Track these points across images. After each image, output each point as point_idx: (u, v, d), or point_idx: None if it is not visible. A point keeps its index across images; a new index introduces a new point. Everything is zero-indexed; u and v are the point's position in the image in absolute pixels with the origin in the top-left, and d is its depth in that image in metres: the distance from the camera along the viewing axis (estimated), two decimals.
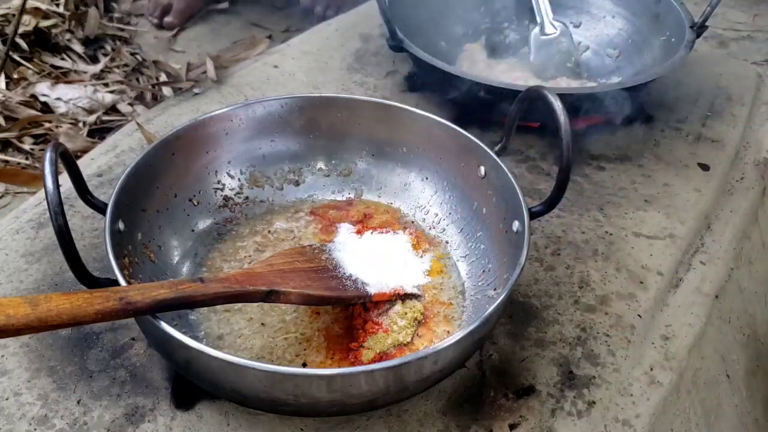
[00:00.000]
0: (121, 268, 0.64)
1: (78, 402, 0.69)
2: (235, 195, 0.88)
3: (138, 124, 1.06)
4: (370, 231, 0.84)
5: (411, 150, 0.89)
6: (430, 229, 0.87)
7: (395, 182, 0.91)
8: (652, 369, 0.76)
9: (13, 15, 1.48)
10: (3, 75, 1.39)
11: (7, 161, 1.27)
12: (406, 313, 0.74)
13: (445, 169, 0.87)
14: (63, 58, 1.51)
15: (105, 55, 1.58)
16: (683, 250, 0.91)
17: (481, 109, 1.05)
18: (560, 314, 0.81)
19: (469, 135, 0.83)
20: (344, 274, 0.75)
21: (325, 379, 0.58)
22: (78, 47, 1.54)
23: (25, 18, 1.49)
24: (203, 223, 0.85)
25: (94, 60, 1.55)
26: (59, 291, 0.80)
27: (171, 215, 0.81)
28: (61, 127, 1.32)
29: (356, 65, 1.27)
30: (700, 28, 1.12)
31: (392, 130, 0.89)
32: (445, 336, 0.73)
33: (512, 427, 0.69)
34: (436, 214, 0.88)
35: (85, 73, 1.48)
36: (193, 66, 1.29)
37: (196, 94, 1.18)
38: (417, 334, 0.74)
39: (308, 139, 0.91)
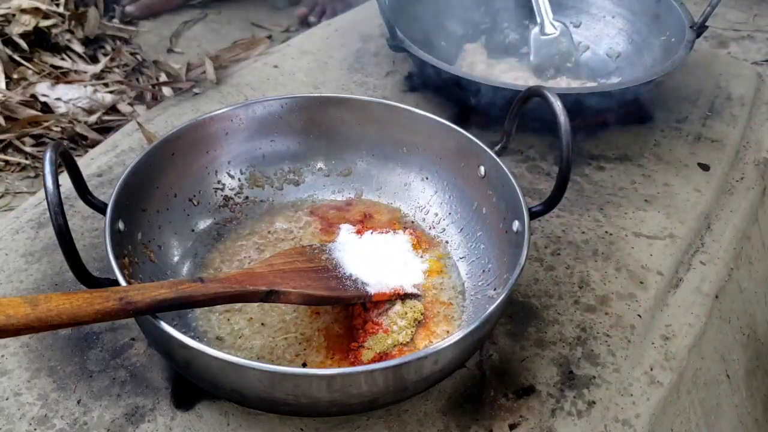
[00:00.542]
0: (121, 268, 0.64)
1: (78, 402, 0.69)
2: (235, 195, 0.88)
3: (139, 123, 1.06)
4: (370, 231, 0.84)
5: (411, 150, 0.89)
6: (430, 229, 0.87)
7: (395, 182, 0.91)
8: (652, 369, 0.76)
9: (13, 15, 1.48)
10: (3, 75, 1.39)
11: (7, 161, 1.27)
12: (406, 313, 0.74)
13: (445, 169, 0.87)
14: (63, 58, 1.51)
15: (105, 55, 1.57)
16: (683, 250, 0.91)
17: (480, 109, 1.05)
18: (560, 314, 0.81)
19: (469, 135, 0.83)
20: (344, 274, 0.75)
21: (325, 379, 0.58)
22: (78, 47, 1.54)
23: (25, 18, 1.49)
24: (203, 223, 0.85)
25: (94, 60, 1.55)
26: (59, 291, 0.80)
27: (171, 215, 0.81)
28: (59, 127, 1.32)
29: (356, 65, 1.27)
30: (700, 28, 1.12)
31: (392, 130, 0.89)
32: (445, 336, 0.73)
33: (512, 427, 0.69)
34: (436, 214, 0.88)
35: (85, 73, 1.48)
36: (193, 66, 1.29)
37: (196, 94, 1.18)
38: (417, 334, 0.74)
39: (308, 139, 0.91)
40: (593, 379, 0.74)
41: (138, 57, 1.58)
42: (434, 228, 0.87)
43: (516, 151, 1.06)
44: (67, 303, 0.53)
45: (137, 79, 1.50)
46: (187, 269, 0.80)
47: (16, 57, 1.44)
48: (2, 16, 1.49)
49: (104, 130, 1.34)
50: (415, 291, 0.77)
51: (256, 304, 0.74)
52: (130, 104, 1.40)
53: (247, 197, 0.89)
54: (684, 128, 1.14)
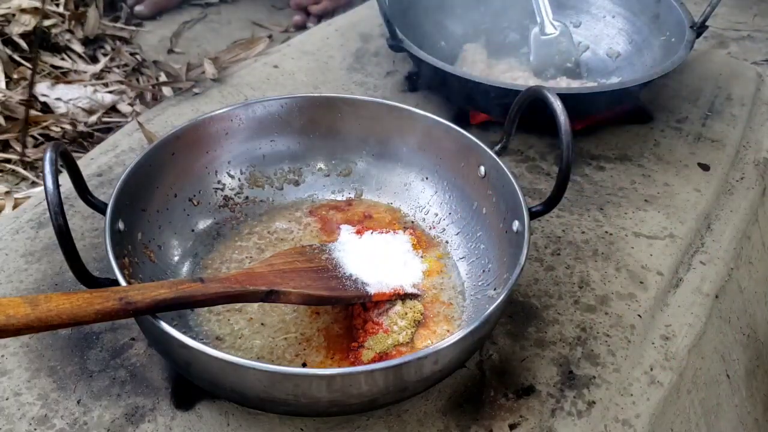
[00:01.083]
0: (121, 268, 0.64)
1: (78, 402, 0.69)
2: (235, 195, 0.88)
3: (139, 123, 1.06)
4: (370, 231, 0.84)
5: (411, 150, 0.89)
6: (430, 229, 0.87)
7: (395, 182, 0.91)
8: (652, 369, 0.76)
9: (13, 15, 1.48)
10: (3, 75, 1.39)
11: (8, 161, 1.27)
12: (406, 313, 0.74)
13: (445, 169, 0.87)
14: (63, 58, 1.51)
15: (105, 55, 1.57)
16: (683, 250, 0.91)
17: (480, 109, 1.05)
18: (560, 314, 0.81)
19: (469, 135, 0.83)
20: (344, 274, 0.75)
21: (325, 379, 0.58)
22: (78, 47, 1.54)
23: (25, 18, 1.49)
24: (203, 223, 0.85)
25: (94, 60, 1.55)
26: (59, 291, 0.80)
27: (171, 215, 0.81)
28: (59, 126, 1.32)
29: (356, 65, 1.27)
30: (700, 28, 1.12)
31: (392, 130, 0.89)
32: (445, 336, 0.73)
33: (512, 427, 0.69)
34: (436, 214, 0.88)
35: (85, 73, 1.48)
36: (193, 66, 1.29)
37: (196, 94, 1.18)
38: (417, 334, 0.74)
39: (308, 139, 0.91)
40: (593, 379, 0.74)
41: (138, 57, 1.58)
42: (434, 228, 0.87)
43: (516, 151, 1.06)
44: (67, 303, 0.53)
45: (137, 79, 1.50)
46: (187, 269, 0.80)
47: (17, 57, 1.44)
48: (2, 16, 1.49)
49: (104, 130, 1.34)
50: (415, 291, 0.77)
51: (256, 304, 0.74)
52: (130, 104, 1.40)
53: (247, 197, 0.89)
54: (684, 128, 1.14)
